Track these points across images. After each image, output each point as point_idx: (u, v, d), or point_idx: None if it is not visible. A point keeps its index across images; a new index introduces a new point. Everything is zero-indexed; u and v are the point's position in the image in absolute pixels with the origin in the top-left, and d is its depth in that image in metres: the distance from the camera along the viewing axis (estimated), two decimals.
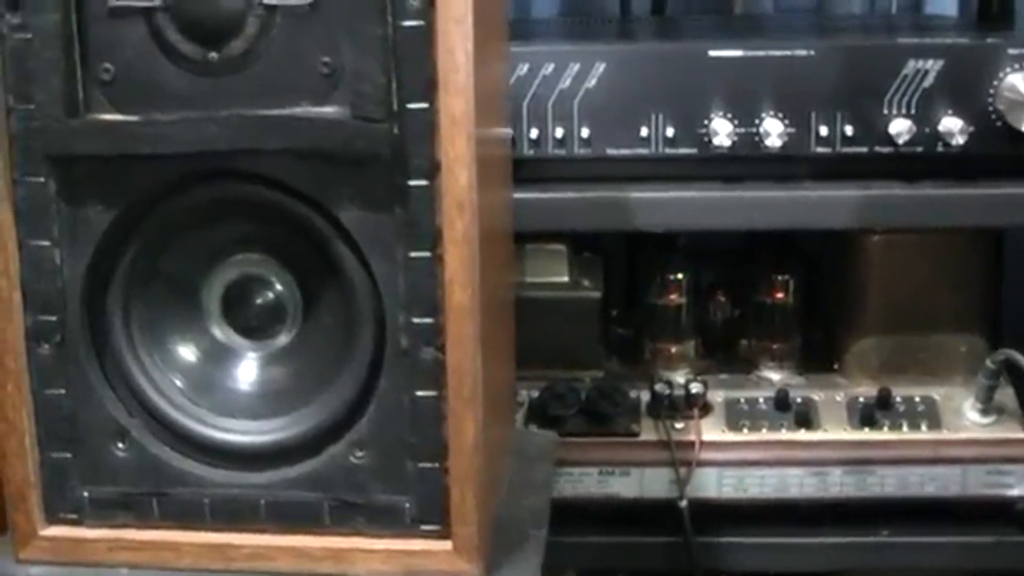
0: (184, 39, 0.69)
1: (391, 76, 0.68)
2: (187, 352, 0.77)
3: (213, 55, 0.69)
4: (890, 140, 1.07)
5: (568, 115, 1.08)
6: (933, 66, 1.07)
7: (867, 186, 1.08)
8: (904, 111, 1.07)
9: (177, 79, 0.70)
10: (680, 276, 1.19)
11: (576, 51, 1.08)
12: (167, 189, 0.72)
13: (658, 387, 1.14)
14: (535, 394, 1.16)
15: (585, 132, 1.08)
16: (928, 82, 1.07)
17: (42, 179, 0.72)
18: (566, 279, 1.20)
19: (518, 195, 1.05)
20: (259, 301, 0.77)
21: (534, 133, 1.08)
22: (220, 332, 0.77)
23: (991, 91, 1.06)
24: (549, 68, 1.08)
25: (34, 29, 0.69)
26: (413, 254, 0.70)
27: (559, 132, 1.08)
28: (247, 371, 0.77)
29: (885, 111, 1.07)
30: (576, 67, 1.08)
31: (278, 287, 0.77)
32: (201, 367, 0.77)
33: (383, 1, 0.67)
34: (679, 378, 1.19)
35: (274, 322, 0.77)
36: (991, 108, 1.06)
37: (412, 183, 0.70)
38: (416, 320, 0.71)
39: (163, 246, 0.75)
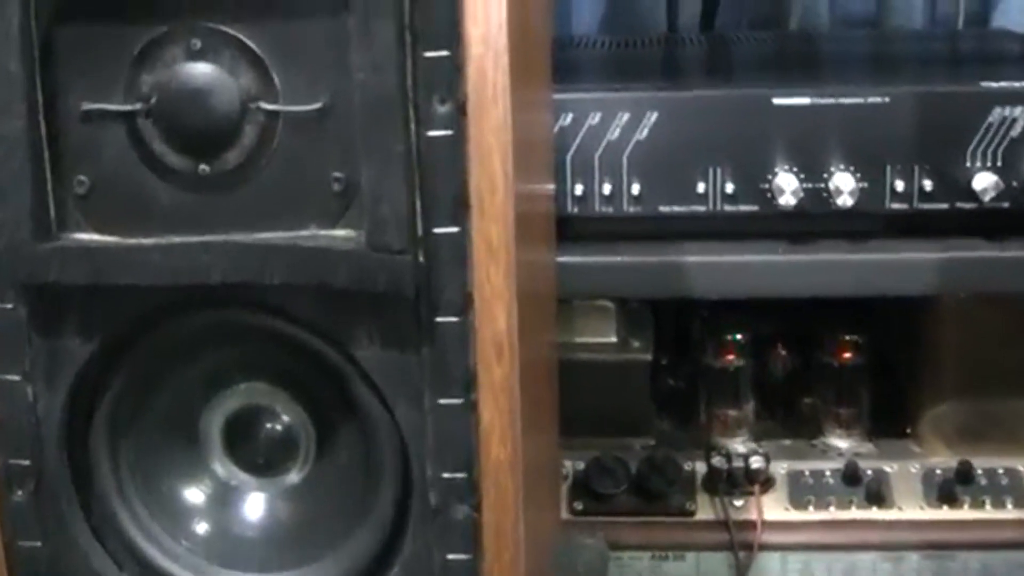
0: (170, 149, 0.57)
1: (415, 196, 0.55)
2: (186, 494, 0.65)
3: (204, 168, 0.57)
4: (973, 195, 0.93)
5: (617, 169, 0.95)
6: (1022, 114, 0.93)
7: (948, 247, 0.95)
8: (989, 163, 0.93)
9: (163, 195, 0.58)
10: (739, 336, 1.06)
11: (625, 99, 0.94)
12: (155, 317, 0.60)
13: (715, 461, 1.01)
14: (580, 466, 1.03)
15: (636, 188, 0.95)
16: (1016, 131, 0.93)
17: (10, 305, 0.60)
18: (614, 339, 1.07)
19: (561, 258, 0.93)
20: (266, 434, 0.64)
21: (579, 189, 0.95)
22: (223, 469, 0.65)
23: None
24: (596, 118, 0.94)
25: (2, 132, 0.57)
26: (443, 400, 0.58)
27: (607, 188, 0.95)
28: (253, 512, 0.65)
29: (968, 163, 0.94)
30: (626, 117, 0.94)
31: (287, 419, 0.64)
32: (202, 511, 0.65)
33: (405, 107, 0.54)
34: (737, 446, 1.06)
35: (284, 457, 0.65)
36: None
37: (441, 319, 0.57)
38: (447, 475, 0.59)
39: (153, 377, 0.62)
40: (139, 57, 0.56)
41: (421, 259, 0.56)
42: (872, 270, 0.95)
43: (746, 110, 0.94)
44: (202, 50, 0.56)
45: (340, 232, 0.57)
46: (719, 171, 0.95)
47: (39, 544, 0.63)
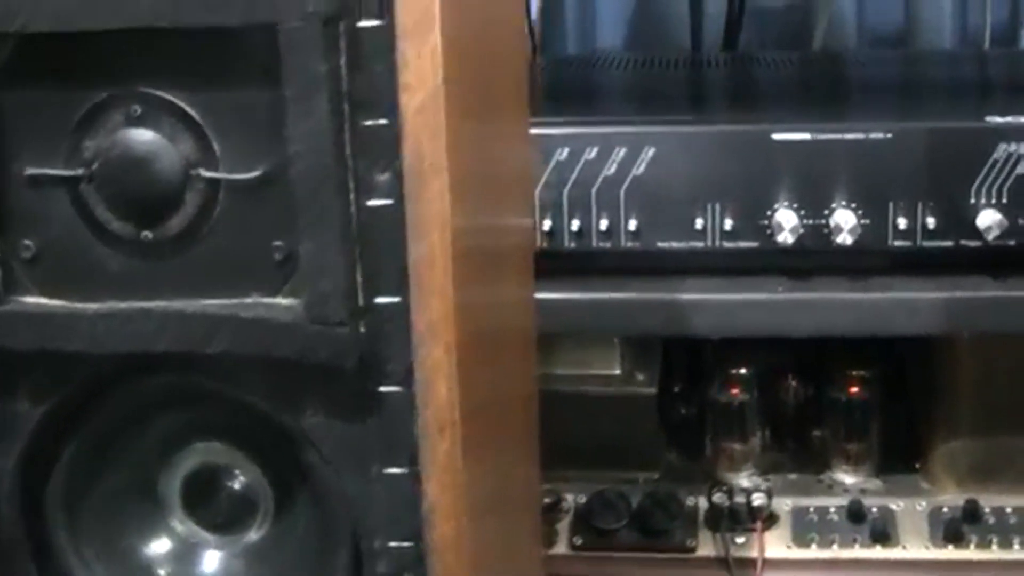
0: (113, 215, 0.56)
1: (355, 266, 0.53)
2: (145, 552, 0.64)
3: (147, 234, 0.55)
4: (978, 233, 0.90)
5: (615, 204, 0.93)
6: None
7: (953, 285, 0.91)
8: (994, 200, 0.90)
9: (108, 260, 0.56)
10: (745, 370, 1.03)
11: (623, 133, 0.92)
12: (106, 380, 0.59)
13: (716, 497, 0.99)
14: (582, 500, 1.01)
15: (633, 224, 0.92)
16: (1022, 168, 0.89)
17: None
18: (618, 372, 1.04)
19: (560, 293, 0.91)
20: (224, 492, 0.63)
21: (575, 224, 0.93)
22: (182, 527, 0.64)
23: None
24: (592, 152, 0.92)
25: None
26: (389, 470, 0.56)
27: (604, 223, 0.93)
28: (211, 569, 0.64)
29: (973, 200, 0.90)
30: (623, 151, 0.92)
31: (245, 478, 0.63)
32: (161, 568, 0.63)
33: (344, 176, 0.53)
34: (743, 480, 1.04)
35: (242, 516, 0.64)
36: None
37: (385, 389, 0.55)
38: (395, 544, 0.57)
39: (110, 438, 0.61)
40: (81, 123, 0.55)
41: (363, 329, 0.54)
42: (874, 309, 0.92)
43: (745, 146, 0.91)
44: (142, 116, 0.54)
45: (283, 301, 0.55)
46: (718, 207, 0.92)
47: None
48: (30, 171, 0.55)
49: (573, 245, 0.93)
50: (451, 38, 0.51)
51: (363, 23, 0.51)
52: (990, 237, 0.89)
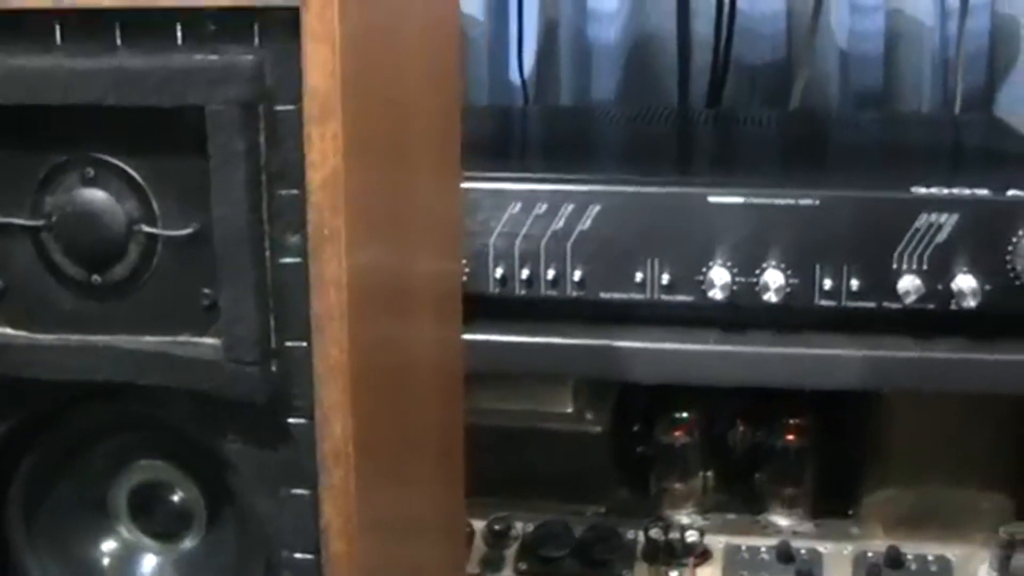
0: (68, 260, 0.66)
1: (269, 315, 0.64)
2: (95, 554, 0.74)
3: (96, 278, 0.66)
4: (898, 297, 0.99)
5: (562, 256, 1.03)
6: (948, 220, 0.98)
7: (873, 345, 1.00)
8: (915, 266, 0.99)
9: (63, 299, 0.67)
10: (686, 415, 1.12)
11: (571, 191, 1.02)
12: (60, 404, 0.69)
13: (653, 532, 1.08)
14: (530, 528, 1.11)
15: (578, 274, 1.02)
16: (942, 237, 0.98)
17: None
18: (570, 410, 1.14)
19: (509, 336, 1.01)
20: (164, 505, 0.74)
21: (525, 273, 1.03)
22: (128, 534, 0.75)
23: (1010, 249, 0.97)
24: (543, 208, 1.02)
25: None
26: (294, 491, 0.66)
27: (551, 273, 1.03)
28: (151, 572, 0.74)
29: (895, 265, 0.99)
30: (571, 208, 1.02)
31: (183, 493, 0.73)
32: (107, 569, 0.74)
33: (260, 238, 0.63)
34: (684, 517, 1.13)
35: (179, 526, 0.74)
36: (1009, 267, 0.97)
37: (292, 421, 0.65)
38: (298, 556, 0.67)
39: (64, 454, 0.72)
40: (43, 181, 0.65)
41: (274, 369, 0.64)
42: (798, 363, 1.01)
43: (683, 206, 1.01)
44: (95, 178, 0.65)
45: (209, 340, 0.65)
46: (656, 262, 1.02)
47: None
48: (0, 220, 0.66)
49: (523, 292, 1.04)
50: (356, 117, 0.62)
51: (279, 107, 0.62)
52: (909, 301, 0.98)
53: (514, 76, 1.51)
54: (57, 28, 0.63)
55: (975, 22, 1.45)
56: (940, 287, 0.99)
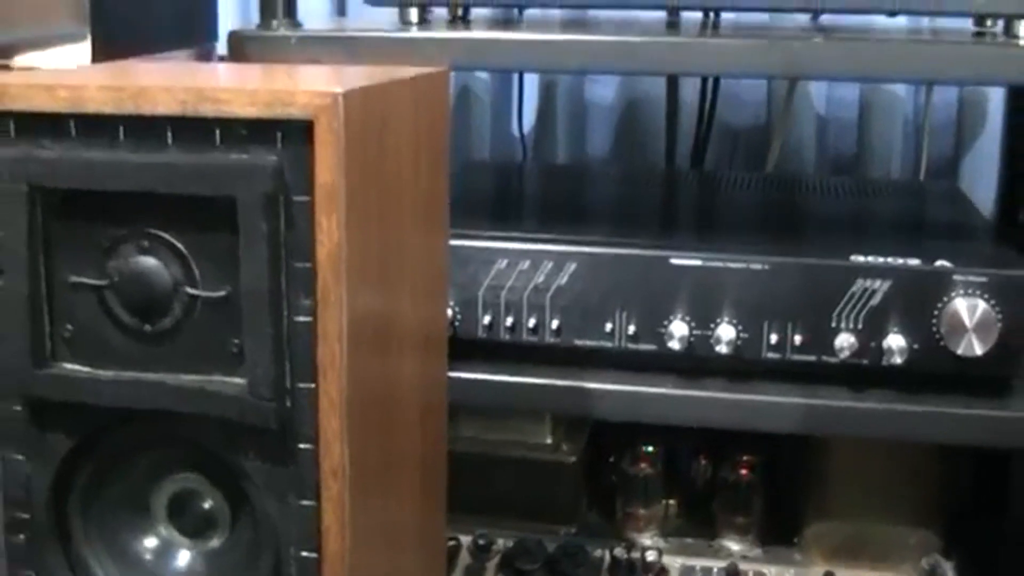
0: (126, 312, 0.86)
1: (284, 361, 0.84)
2: (137, 548, 0.94)
3: (148, 327, 0.86)
4: (836, 352, 1.17)
5: (541, 307, 1.22)
6: (881, 286, 1.17)
7: (813, 394, 1.18)
8: (851, 326, 1.17)
9: (120, 342, 0.87)
10: (650, 449, 1.32)
11: (550, 251, 1.21)
12: (114, 424, 0.89)
13: (617, 552, 1.28)
14: (509, 544, 1.31)
15: (555, 323, 1.22)
16: (875, 300, 1.17)
17: (18, 408, 0.90)
18: (548, 441, 1.34)
19: (493, 376, 1.20)
20: (196, 510, 0.93)
21: (509, 321, 1.22)
22: (165, 532, 0.94)
23: (935, 313, 1.16)
24: (525, 264, 1.22)
25: (12, 293, 0.87)
26: (302, 502, 0.86)
27: (532, 322, 1.22)
28: (183, 564, 0.94)
29: (833, 324, 1.18)
30: (550, 265, 1.21)
31: (211, 501, 0.93)
32: (149, 560, 0.94)
33: (280, 299, 0.83)
34: (646, 540, 1.32)
35: (208, 527, 0.93)
36: (934, 329, 1.16)
37: (301, 446, 0.85)
38: (304, 554, 0.87)
39: (115, 464, 0.92)
40: (107, 249, 0.85)
41: (288, 404, 0.84)
42: (746, 408, 1.19)
43: (648, 267, 1.20)
44: (148, 248, 0.85)
45: (236, 380, 0.85)
46: (624, 314, 1.21)
47: (32, 574, 0.93)
48: (72, 279, 0.86)
49: (507, 338, 1.23)
50: (356, 203, 0.81)
51: (296, 198, 0.82)
52: (844, 356, 1.17)
53: (515, 131, 1.71)
54: (121, 129, 0.84)
55: (944, 93, 1.63)
56: (873, 344, 1.17)
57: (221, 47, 1.45)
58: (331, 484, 0.85)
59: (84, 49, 1.17)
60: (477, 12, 1.31)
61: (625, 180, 1.57)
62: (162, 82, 0.83)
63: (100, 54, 1.30)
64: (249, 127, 0.81)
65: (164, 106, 0.82)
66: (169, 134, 0.83)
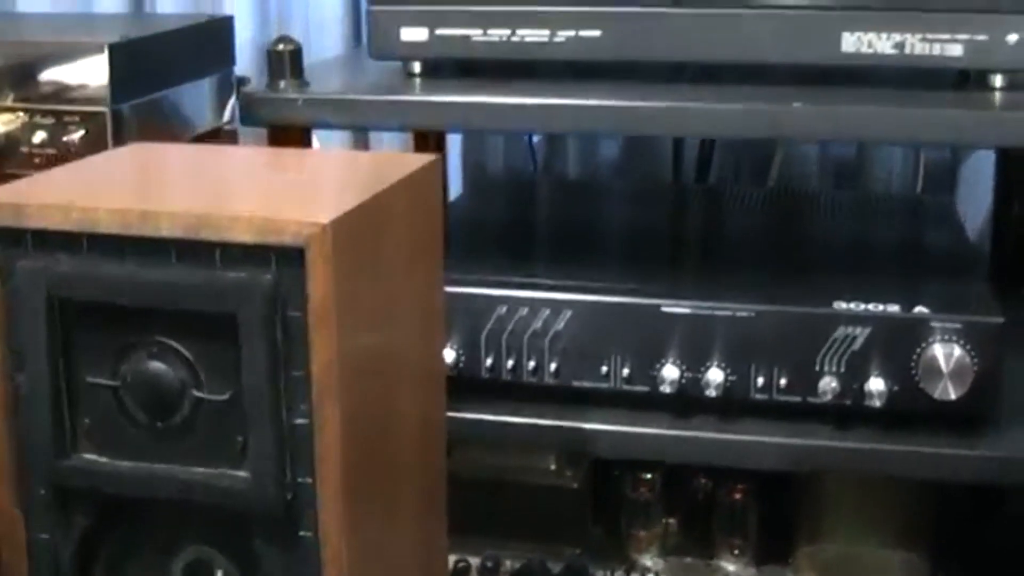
0: (139, 410, 0.94)
1: (285, 457, 0.91)
2: None
3: (159, 424, 0.94)
4: (819, 394, 1.24)
5: (540, 350, 1.29)
6: (862, 332, 1.23)
7: (798, 433, 1.25)
8: (834, 369, 1.24)
9: (135, 436, 0.95)
10: (649, 476, 1.39)
11: (548, 299, 1.28)
12: (130, 507, 0.98)
13: (619, 572, 1.36)
14: (517, 565, 1.39)
15: (553, 366, 1.29)
16: (856, 346, 1.23)
17: (43, 491, 0.98)
18: (553, 467, 1.41)
19: (494, 416, 1.28)
20: None
21: (510, 363, 1.30)
22: None
23: (914, 358, 1.22)
24: (524, 311, 1.29)
25: (35, 391, 0.95)
26: None
27: (531, 364, 1.29)
28: None
29: (817, 368, 1.24)
30: (547, 312, 1.28)
31: (222, 570, 1.01)
32: None
33: (279, 403, 0.90)
34: (647, 560, 1.40)
35: None
36: (913, 373, 1.22)
37: (301, 533, 0.93)
38: None
39: (133, 539, 1.00)
40: (120, 353, 0.93)
41: (289, 497, 0.92)
42: (735, 446, 1.26)
43: (640, 314, 1.26)
44: (157, 354, 0.92)
45: (242, 473, 0.93)
46: (618, 358, 1.27)
47: None
48: (90, 379, 0.94)
49: (509, 378, 1.30)
50: (346, 320, 0.88)
51: (290, 313, 0.89)
52: (827, 398, 1.24)
53: (526, 145, 1.77)
54: (129, 247, 0.91)
55: None
56: (855, 386, 1.23)
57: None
58: (331, 570, 0.93)
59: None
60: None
61: (627, 203, 1.63)
62: (170, 200, 0.90)
63: (122, 93, 1.38)
64: (247, 249, 0.88)
65: (168, 230, 0.89)
66: (173, 254, 0.90)
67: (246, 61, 1.77)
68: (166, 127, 1.53)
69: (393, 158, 1.03)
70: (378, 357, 0.97)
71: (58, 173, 1.01)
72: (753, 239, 1.51)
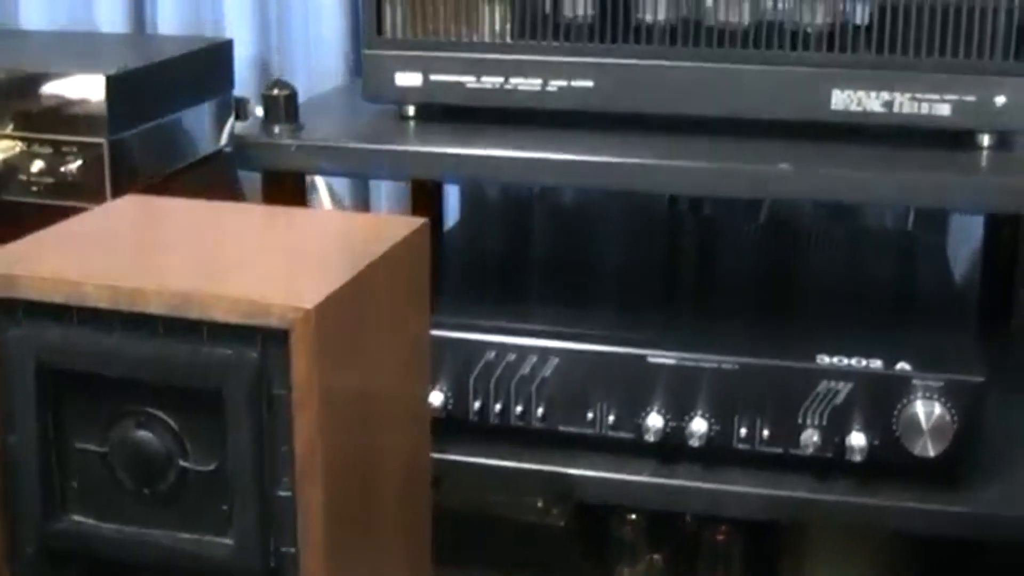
0: (127, 476, 0.97)
1: (269, 527, 0.94)
2: None
3: (146, 490, 0.96)
4: (801, 445, 1.26)
5: (528, 395, 1.31)
6: (844, 387, 1.25)
7: (779, 484, 1.28)
8: (816, 422, 1.26)
9: (122, 501, 0.97)
10: (635, 516, 1.42)
11: (535, 346, 1.30)
12: (118, 568, 1.00)
13: None
14: None
15: (540, 410, 1.31)
16: (838, 400, 1.25)
17: (30, 550, 1.00)
18: (539, 505, 1.44)
19: (483, 459, 1.30)
20: None
21: (498, 407, 1.32)
22: None
23: (895, 414, 1.24)
24: (512, 357, 1.31)
25: (25, 454, 0.97)
26: None
27: (519, 408, 1.31)
28: None
29: (799, 420, 1.26)
30: (534, 359, 1.30)
31: None
32: None
33: (262, 476, 0.93)
34: None
35: None
36: (893, 429, 1.24)
37: None
38: None
39: None
40: (108, 421, 0.95)
41: (272, 564, 0.95)
42: (718, 495, 1.29)
43: (626, 364, 1.29)
44: (145, 423, 0.95)
45: (226, 540, 0.95)
46: (604, 405, 1.30)
47: None
48: (78, 444, 0.97)
49: (496, 422, 1.33)
50: (330, 399, 0.91)
51: (275, 391, 0.91)
52: (809, 450, 1.26)
53: None
54: (119, 322, 0.93)
55: None
56: (836, 439, 1.25)
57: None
58: None
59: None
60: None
61: (621, 235, 1.65)
62: (160, 272, 0.93)
63: (120, 123, 1.39)
64: (234, 328, 0.90)
65: (155, 307, 0.91)
66: (161, 328, 0.92)
67: (244, 80, 1.78)
68: (165, 155, 1.55)
69: (384, 222, 1.05)
70: (362, 420, 0.99)
71: (51, 237, 1.03)
72: (741, 282, 1.53)
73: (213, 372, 0.91)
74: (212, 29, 1.88)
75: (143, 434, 0.95)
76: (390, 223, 1.06)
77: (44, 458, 0.97)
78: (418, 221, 1.07)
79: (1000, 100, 1.22)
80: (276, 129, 1.28)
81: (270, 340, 0.90)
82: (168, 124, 1.56)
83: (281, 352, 0.90)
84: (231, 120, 1.67)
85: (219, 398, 0.92)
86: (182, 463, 0.95)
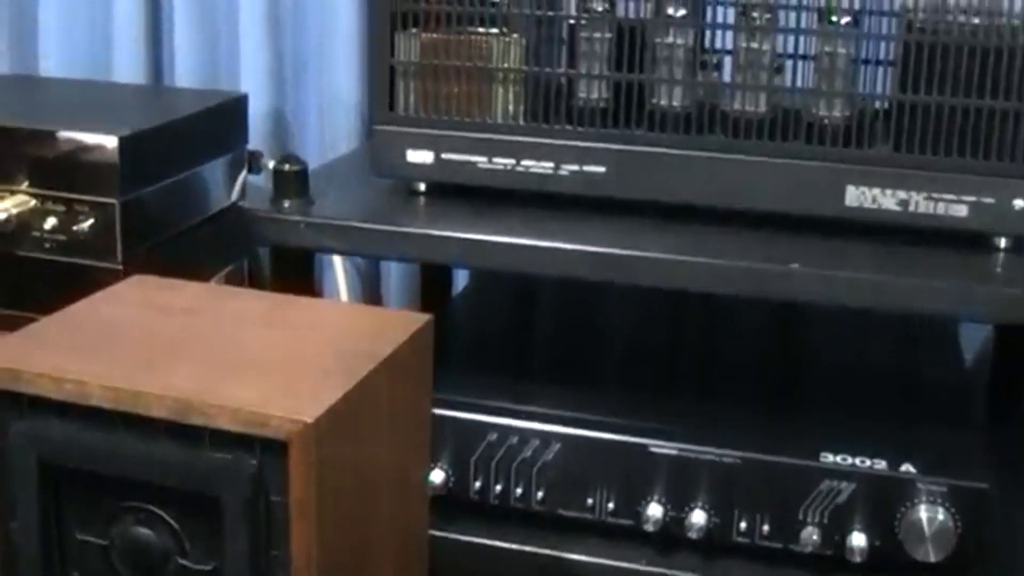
0: (126, 570, 0.99)
1: None
2: None
3: None
4: (801, 543, 1.27)
5: (528, 478, 1.33)
6: (847, 487, 1.26)
7: None
8: (817, 520, 1.27)
9: None
10: None
11: (537, 430, 1.32)
12: None
13: None
14: None
15: (540, 494, 1.33)
16: (841, 499, 1.26)
17: None
18: None
19: (480, 539, 1.32)
20: None
21: (498, 488, 1.34)
22: None
23: (898, 517, 1.25)
24: (514, 440, 1.33)
25: (27, 544, 0.99)
26: None
27: (519, 491, 1.33)
28: None
29: (800, 517, 1.27)
30: (536, 442, 1.32)
31: None
32: None
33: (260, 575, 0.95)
34: None
35: None
36: (896, 531, 1.25)
37: None
38: None
39: None
40: (109, 515, 0.98)
41: None
42: None
43: (627, 453, 1.30)
44: (145, 520, 0.97)
45: None
46: (604, 491, 1.31)
47: None
48: (80, 536, 0.99)
49: (496, 503, 1.34)
50: (327, 510, 0.93)
51: (272, 498, 0.93)
52: (809, 548, 1.27)
53: None
54: (121, 422, 0.95)
55: None
56: (836, 539, 1.27)
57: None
58: None
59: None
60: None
61: (627, 308, 1.67)
62: (162, 374, 0.95)
63: (132, 184, 1.41)
64: (234, 435, 0.92)
65: (157, 411, 0.93)
66: (162, 430, 0.94)
67: (258, 134, 1.81)
68: (178, 211, 1.57)
69: (389, 319, 1.06)
70: (359, 518, 1.01)
71: (56, 327, 1.05)
72: (746, 368, 1.54)
73: (212, 477, 0.93)
74: (227, 78, 1.89)
75: (143, 531, 0.97)
76: (395, 320, 1.08)
77: (46, 547, 0.99)
78: (424, 318, 1.08)
79: (1019, 203, 1.23)
80: (286, 204, 1.30)
81: (269, 449, 0.92)
82: (182, 181, 1.58)
83: (280, 461, 0.92)
84: (243, 174, 1.69)
85: (218, 502, 0.93)
86: (181, 561, 0.97)
